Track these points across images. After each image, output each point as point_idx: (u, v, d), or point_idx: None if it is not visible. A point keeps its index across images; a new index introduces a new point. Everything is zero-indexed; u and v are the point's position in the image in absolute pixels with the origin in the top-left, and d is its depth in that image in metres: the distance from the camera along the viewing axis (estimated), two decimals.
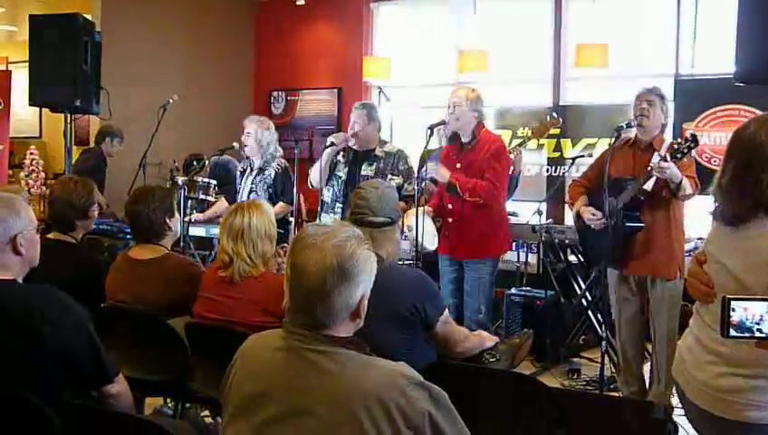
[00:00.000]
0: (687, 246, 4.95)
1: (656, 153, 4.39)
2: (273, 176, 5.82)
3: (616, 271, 4.66)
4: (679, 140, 4.28)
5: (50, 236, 3.81)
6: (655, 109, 4.56)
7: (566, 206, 7.78)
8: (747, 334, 2.07)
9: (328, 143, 5.41)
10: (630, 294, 4.65)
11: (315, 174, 5.43)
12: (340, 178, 5.41)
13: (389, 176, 5.28)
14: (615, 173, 4.55)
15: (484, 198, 4.94)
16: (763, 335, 2.06)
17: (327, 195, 5.44)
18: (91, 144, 8.56)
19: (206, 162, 6.86)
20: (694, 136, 4.20)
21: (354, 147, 5.41)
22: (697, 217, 4.28)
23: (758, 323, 2.05)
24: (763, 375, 2.29)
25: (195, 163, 6.98)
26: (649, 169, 4.31)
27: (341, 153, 5.45)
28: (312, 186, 5.50)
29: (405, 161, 5.40)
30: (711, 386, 2.38)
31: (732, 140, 2.44)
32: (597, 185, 4.66)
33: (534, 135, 5.98)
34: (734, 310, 2.06)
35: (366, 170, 5.36)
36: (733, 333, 2.07)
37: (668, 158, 4.20)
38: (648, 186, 4.41)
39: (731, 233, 2.37)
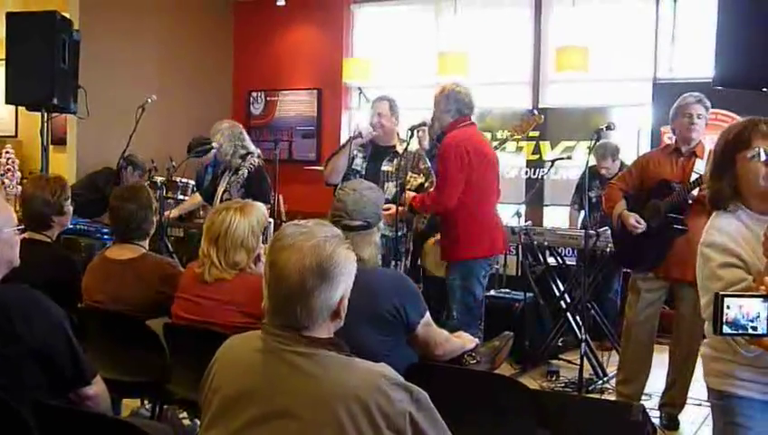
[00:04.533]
0: None
1: (697, 159, 4.47)
2: (245, 175, 5.72)
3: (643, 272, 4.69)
4: None
5: (24, 236, 3.75)
6: (702, 122, 4.57)
7: (544, 208, 7.85)
8: (741, 331, 2.07)
9: (354, 134, 5.31)
10: (653, 294, 4.66)
11: (335, 170, 5.28)
12: (358, 172, 5.26)
13: (410, 174, 5.20)
14: (657, 179, 4.60)
15: (432, 208, 4.89)
16: (757, 333, 2.05)
17: None
18: (68, 144, 8.52)
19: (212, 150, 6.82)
20: None
21: (375, 141, 5.31)
22: None
23: (752, 321, 2.05)
24: (715, 347, 2.52)
25: (202, 146, 6.91)
26: (698, 177, 4.33)
27: (360, 147, 5.35)
28: (329, 183, 5.32)
29: (424, 160, 5.30)
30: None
31: None
32: (635, 188, 4.69)
33: (516, 132, 5.97)
34: (728, 307, 2.06)
35: (387, 166, 5.24)
36: (726, 330, 2.07)
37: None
38: (695, 192, 4.42)
39: None
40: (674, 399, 4.77)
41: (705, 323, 2.40)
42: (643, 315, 4.70)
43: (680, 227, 4.49)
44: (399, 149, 5.27)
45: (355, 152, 5.32)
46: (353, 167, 5.31)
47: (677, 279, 4.55)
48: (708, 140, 6.72)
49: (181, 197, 6.86)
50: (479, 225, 4.81)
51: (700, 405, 4.77)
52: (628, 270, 5.06)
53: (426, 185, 5.18)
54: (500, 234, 4.98)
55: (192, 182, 7.17)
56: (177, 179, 6.77)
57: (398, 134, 5.39)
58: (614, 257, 5.54)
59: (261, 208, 3.45)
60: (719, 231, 2.46)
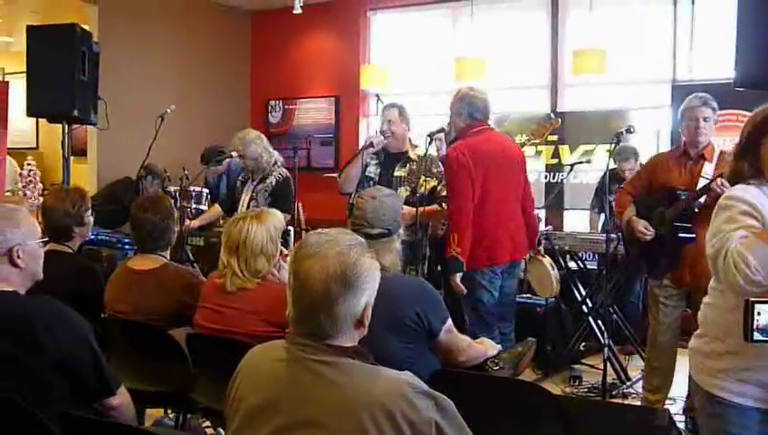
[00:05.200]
0: None
1: (706, 162, 4.42)
2: (273, 184, 5.80)
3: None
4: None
5: (46, 247, 3.78)
6: (710, 124, 4.50)
7: (564, 212, 7.82)
8: None
9: (366, 144, 5.34)
10: (673, 301, 4.61)
11: (349, 179, 5.33)
12: (371, 179, 5.30)
13: (423, 178, 5.19)
14: (665, 184, 4.55)
15: (445, 219, 4.89)
16: None
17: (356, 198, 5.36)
18: (89, 155, 8.58)
19: (227, 159, 6.87)
20: None
21: (386, 148, 5.34)
22: None
23: None
24: (717, 338, 2.56)
25: (218, 155, 6.96)
26: (708, 183, 4.29)
27: (373, 155, 5.39)
28: (343, 192, 5.39)
29: (437, 164, 5.28)
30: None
31: None
32: (643, 193, 4.63)
33: (533, 136, 5.95)
34: (759, 313, 2.04)
35: (399, 172, 5.28)
36: (757, 336, 2.05)
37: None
38: (702, 199, 4.36)
39: None
40: None
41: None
42: (665, 324, 4.64)
43: (687, 235, 4.43)
44: (411, 154, 5.31)
45: (368, 160, 5.37)
46: (367, 174, 5.35)
47: (691, 287, 4.52)
48: (722, 142, 6.75)
49: (195, 206, 6.89)
50: (479, 234, 4.68)
51: None
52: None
53: (438, 188, 5.19)
54: (504, 244, 4.77)
55: (206, 191, 7.20)
56: (192, 189, 6.81)
57: (409, 140, 5.42)
58: (627, 264, 5.50)
59: (277, 215, 3.46)
60: (743, 190, 2.50)
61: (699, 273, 4.44)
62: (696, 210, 4.39)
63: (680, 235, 4.45)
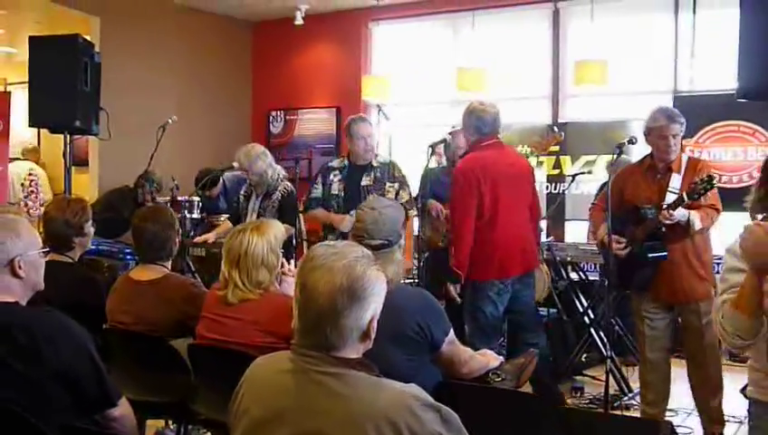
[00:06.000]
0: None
1: (673, 174, 4.40)
2: (279, 199, 5.83)
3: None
4: (696, 180, 4.23)
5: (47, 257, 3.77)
6: (678, 139, 4.48)
7: (565, 223, 7.81)
8: None
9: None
10: (658, 314, 4.57)
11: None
12: (337, 196, 5.43)
13: (387, 184, 5.35)
14: (633, 199, 4.52)
15: (451, 236, 4.95)
16: None
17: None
18: (90, 165, 8.59)
19: (220, 178, 6.89)
20: (710, 177, 4.19)
21: (353, 161, 5.46)
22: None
23: None
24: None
25: (206, 178, 6.99)
26: (676, 198, 4.28)
27: (334, 172, 5.49)
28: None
29: (399, 169, 5.47)
30: None
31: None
32: (615, 209, 4.57)
33: (536, 149, 5.96)
34: None
35: (365, 181, 5.40)
36: None
37: (686, 197, 4.20)
38: (673, 214, 4.32)
39: None
40: (712, 417, 4.57)
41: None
42: (652, 337, 4.61)
43: (658, 254, 4.41)
44: (375, 162, 5.45)
45: (331, 178, 5.49)
46: (332, 192, 5.47)
47: (669, 301, 4.51)
48: (723, 153, 6.73)
49: (188, 215, 6.90)
50: (490, 247, 4.72)
51: (741, 423, 4.70)
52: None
53: (400, 193, 5.34)
54: (515, 256, 4.80)
55: (197, 199, 7.20)
56: (182, 198, 6.82)
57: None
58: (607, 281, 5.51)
59: (277, 225, 3.47)
60: (743, 235, 2.46)
61: (676, 289, 4.45)
62: (664, 230, 4.37)
63: (650, 255, 4.43)
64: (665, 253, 4.39)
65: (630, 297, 4.79)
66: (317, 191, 5.59)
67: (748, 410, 2.76)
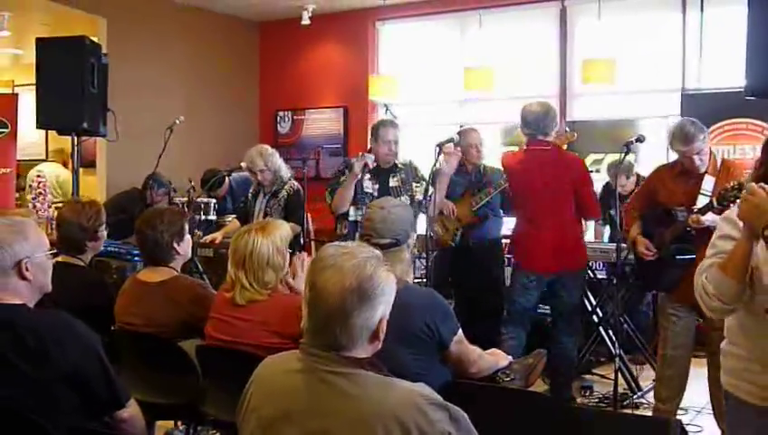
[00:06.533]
0: None
1: (706, 176, 4.38)
2: (285, 198, 5.86)
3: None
4: (727, 187, 4.20)
5: (58, 259, 3.77)
6: (705, 151, 4.42)
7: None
8: None
9: (361, 165, 5.35)
10: (683, 311, 4.54)
11: (344, 202, 5.39)
12: (371, 195, 5.37)
13: (414, 184, 5.42)
14: (666, 202, 4.51)
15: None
16: None
17: (356, 215, 5.35)
18: (97, 166, 8.60)
19: (226, 178, 6.89)
20: (740, 184, 4.14)
21: (379, 164, 5.46)
22: None
23: None
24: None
25: (213, 179, 7.01)
26: (707, 203, 4.26)
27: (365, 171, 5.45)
28: (338, 214, 5.48)
29: (419, 169, 5.56)
30: None
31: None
32: (649, 207, 4.63)
33: None
34: None
35: (393, 182, 5.43)
36: None
37: (715, 203, 4.12)
38: (704, 219, 4.29)
39: None
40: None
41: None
42: (674, 332, 4.58)
43: (685, 257, 4.37)
44: (400, 164, 5.50)
45: (363, 175, 5.44)
46: (365, 190, 5.43)
47: (693, 303, 4.49)
48: (732, 151, 6.70)
49: (204, 216, 6.91)
50: (522, 238, 5.26)
51: None
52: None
53: (427, 189, 5.32)
54: (534, 253, 5.13)
55: (213, 201, 7.22)
56: (199, 200, 6.83)
57: None
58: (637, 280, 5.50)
59: (283, 226, 3.48)
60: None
61: None
62: (693, 232, 4.35)
63: (677, 257, 4.41)
64: (693, 256, 4.34)
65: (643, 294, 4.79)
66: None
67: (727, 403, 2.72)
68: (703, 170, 4.43)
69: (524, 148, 5.21)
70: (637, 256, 4.76)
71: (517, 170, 5.20)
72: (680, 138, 4.39)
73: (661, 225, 4.51)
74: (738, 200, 4.12)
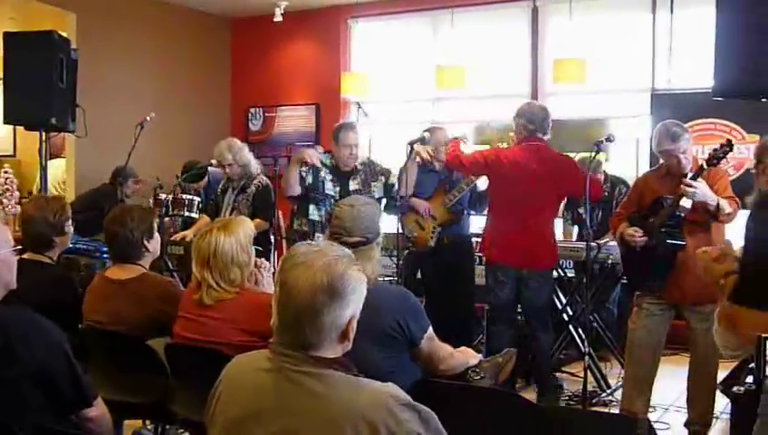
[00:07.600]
0: None
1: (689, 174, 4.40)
2: (253, 193, 5.85)
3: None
4: (716, 147, 4.29)
5: (25, 256, 3.73)
6: (689, 152, 4.50)
7: None
8: None
9: (309, 163, 5.37)
10: (656, 308, 4.57)
11: (289, 184, 5.39)
12: (332, 197, 5.38)
13: (372, 184, 5.44)
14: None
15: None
16: None
17: (316, 214, 5.40)
18: (66, 162, 8.51)
19: (207, 172, 6.87)
20: (729, 141, 4.26)
21: (338, 167, 5.47)
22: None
23: None
24: None
25: (193, 170, 6.97)
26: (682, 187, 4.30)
27: (325, 171, 5.44)
28: (288, 196, 5.49)
29: (378, 163, 5.62)
30: None
31: None
32: (634, 210, 4.67)
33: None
34: None
35: (353, 185, 5.43)
36: None
37: (705, 165, 4.26)
38: (687, 202, 4.35)
39: None
40: (702, 418, 4.59)
41: None
42: (644, 329, 4.60)
43: (676, 242, 4.43)
44: (358, 165, 5.50)
45: (324, 176, 5.44)
46: (326, 192, 5.43)
47: (678, 302, 4.53)
48: (700, 150, 6.76)
49: (187, 214, 6.85)
50: (497, 232, 5.27)
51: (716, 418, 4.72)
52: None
53: (390, 179, 5.48)
54: (507, 248, 5.18)
55: (198, 199, 7.17)
56: (183, 196, 6.78)
57: None
58: (626, 281, 5.55)
59: (245, 222, 3.46)
60: None
61: (686, 288, 4.44)
62: (682, 215, 4.41)
63: (668, 241, 4.45)
64: (683, 242, 4.39)
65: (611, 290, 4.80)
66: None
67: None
68: (687, 172, 4.47)
69: (520, 143, 5.21)
70: (623, 252, 4.77)
71: (512, 163, 5.12)
72: (667, 136, 4.45)
73: (649, 217, 4.54)
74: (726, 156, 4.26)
